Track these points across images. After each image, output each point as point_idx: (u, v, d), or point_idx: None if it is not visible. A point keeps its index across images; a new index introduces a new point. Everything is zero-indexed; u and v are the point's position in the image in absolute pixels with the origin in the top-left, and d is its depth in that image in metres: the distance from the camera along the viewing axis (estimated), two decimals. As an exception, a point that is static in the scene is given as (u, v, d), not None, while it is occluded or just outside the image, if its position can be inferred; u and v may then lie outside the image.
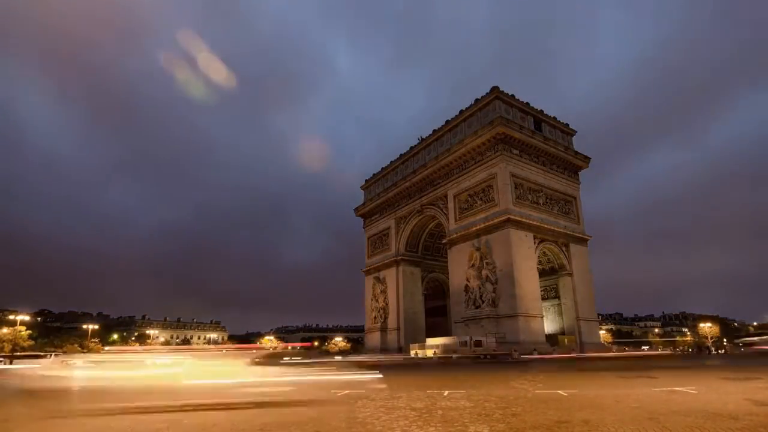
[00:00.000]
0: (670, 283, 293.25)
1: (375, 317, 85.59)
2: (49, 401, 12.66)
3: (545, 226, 63.06)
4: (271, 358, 16.46)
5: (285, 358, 17.90)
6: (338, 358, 53.76)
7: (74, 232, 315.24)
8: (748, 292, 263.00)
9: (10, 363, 48.64)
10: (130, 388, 13.06)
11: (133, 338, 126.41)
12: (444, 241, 70.64)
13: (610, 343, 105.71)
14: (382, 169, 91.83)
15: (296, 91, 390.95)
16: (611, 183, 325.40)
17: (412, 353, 63.18)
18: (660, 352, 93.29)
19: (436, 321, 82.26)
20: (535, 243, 61.37)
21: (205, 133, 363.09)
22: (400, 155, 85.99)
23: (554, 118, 71.79)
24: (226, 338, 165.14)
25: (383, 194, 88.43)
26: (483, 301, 59.89)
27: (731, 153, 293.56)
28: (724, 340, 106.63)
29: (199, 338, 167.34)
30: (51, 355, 47.43)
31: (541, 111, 70.02)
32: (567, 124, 73.98)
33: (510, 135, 62.69)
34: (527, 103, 68.25)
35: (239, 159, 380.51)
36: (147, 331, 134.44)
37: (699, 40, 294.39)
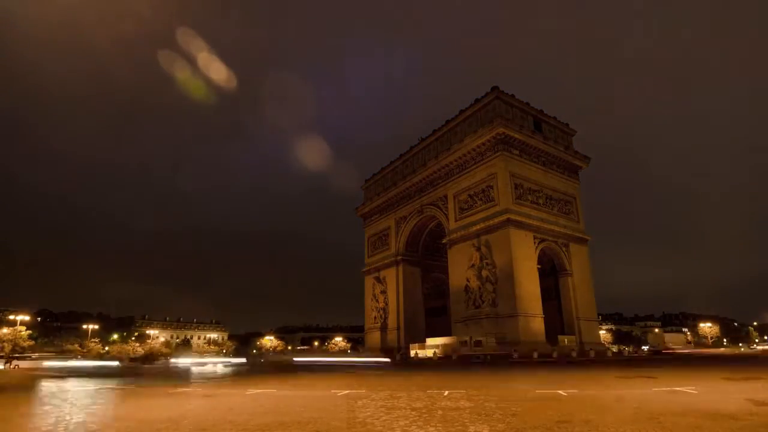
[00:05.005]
0: (670, 282, 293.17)
1: (375, 317, 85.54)
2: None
3: (545, 225, 63.03)
4: None
5: None
6: None
7: (75, 231, 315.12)
8: (748, 291, 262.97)
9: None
10: None
11: (133, 338, 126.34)
12: (444, 241, 70.59)
13: (609, 342, 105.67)
14: (382, 169, 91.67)
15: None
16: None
17: (412, 353, 63.28)
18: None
19: (436, 321, 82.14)
20: (535, 243, 61.35)
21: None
22: (400, 155, 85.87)
23: (554, 118, 71.78)
24: (226, 338, 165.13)
25: (383, 194, 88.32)
26: (483, 301, 59.86)
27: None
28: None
29: (199, 338, 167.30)
30: None
31: (541, 111, 70.00)
32: (567, 124, 73.97)
33: (510, 135, 62.67)
34: (527, 103, 68.25)
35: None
36: (147, 331, 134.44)
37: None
